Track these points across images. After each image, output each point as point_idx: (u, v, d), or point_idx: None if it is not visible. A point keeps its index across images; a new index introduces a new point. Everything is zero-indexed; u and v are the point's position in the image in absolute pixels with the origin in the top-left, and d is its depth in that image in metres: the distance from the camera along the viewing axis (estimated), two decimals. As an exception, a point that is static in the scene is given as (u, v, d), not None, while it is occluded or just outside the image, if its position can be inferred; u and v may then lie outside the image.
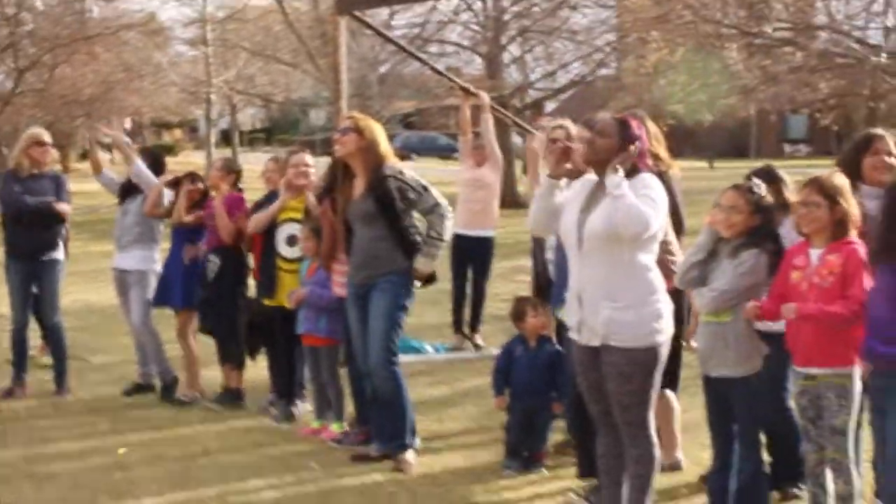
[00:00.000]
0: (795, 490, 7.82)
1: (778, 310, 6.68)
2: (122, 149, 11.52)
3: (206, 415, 10.72)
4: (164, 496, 8.29)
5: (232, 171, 11.25)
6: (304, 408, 10.49)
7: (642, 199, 6.76)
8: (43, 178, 11.46)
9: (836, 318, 6.41)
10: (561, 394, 8.75)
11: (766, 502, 7.19)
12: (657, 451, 7.13)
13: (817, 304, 6.54)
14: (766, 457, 7.79)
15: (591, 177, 7.09)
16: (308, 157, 10.52)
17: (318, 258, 9.73)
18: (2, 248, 11.65)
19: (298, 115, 72.56)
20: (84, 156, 13.49)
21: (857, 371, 6.51)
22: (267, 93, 50.56)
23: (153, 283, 11.26)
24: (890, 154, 7.45)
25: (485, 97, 9.66)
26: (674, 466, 8.44)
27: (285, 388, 10.57)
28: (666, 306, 6.97)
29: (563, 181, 7.31)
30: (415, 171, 9.15)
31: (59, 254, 11.52)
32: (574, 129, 8.08)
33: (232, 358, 11.01)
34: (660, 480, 7.94)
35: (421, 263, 8.86)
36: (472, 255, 14.04)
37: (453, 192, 13.94)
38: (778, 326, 6.98)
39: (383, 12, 35.11)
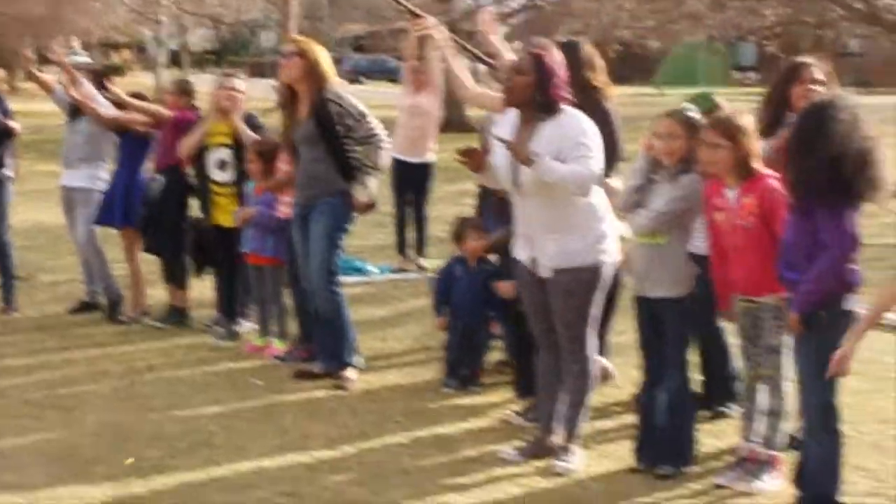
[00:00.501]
0: (724, 409, 8.07)
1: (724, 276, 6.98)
2: (69, 71, 11.53)
3: (150, 333, 10.84)
4: (109, 412, 8.43)
5: (186, 91, 11.34)
6: (249, 326, 10.63)
7: (577, 151, 6.97)
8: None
9: (762, 253, 6.60)
10: (498, 313, 8.95)
11: (693, 419, 7.39)
12: (594, 369, 7.37)
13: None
14: (698, 376, 8.07)
15: (513, 114, 7.27)
16: (237, 82, 10.61)
17: (264, 179, 9.86)
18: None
19: (248, 37, 72.18)
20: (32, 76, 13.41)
21: None
22: (217, 13, 50.20)
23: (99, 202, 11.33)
24: (816, 82, 7.56)
25: (431, 22, 9.70)
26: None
27: (230, 306, 10.72)
28: (610, 229, 7.19)
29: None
30: (363, 93, 9.28)
31: (7, 171, 11.56)
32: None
33: (176, 277, 11.13)
34: (594, 399, 8.21)
35: (358, 192, 9.00)
36: (412, 181, 14.22)
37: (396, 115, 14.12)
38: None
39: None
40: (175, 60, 61.31)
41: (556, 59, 7.23)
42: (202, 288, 11.23)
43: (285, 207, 9.56)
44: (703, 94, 8.53)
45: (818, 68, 7.69)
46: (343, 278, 9.36)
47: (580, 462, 7.31)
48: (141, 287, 11.48)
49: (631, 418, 7.76)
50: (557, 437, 7.41)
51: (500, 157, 7.21)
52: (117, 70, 49.91)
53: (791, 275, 6.23)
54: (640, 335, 7.43)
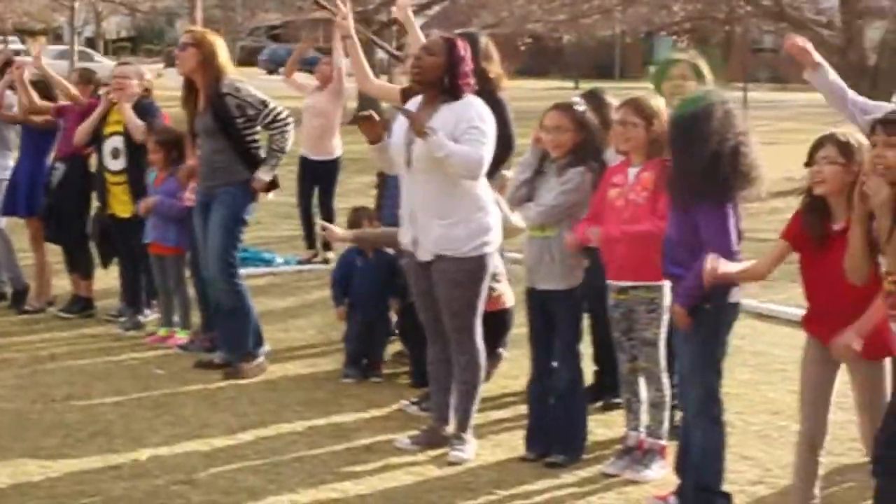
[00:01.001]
0: (618, 400, 8.23)
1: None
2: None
3: (55, 322, 10.89)
4: (9, 400, 8.48)
5: (88, 80, 11.39)
6: (153, 316, 10.68)
7: (470, 134, 7.10)
8: None
9: (642, 236, 6.74)
10: (399, 298, 9.05)
11: (584, 409, 7.56)
12: (483, 359, 7.51)
13: (621, 226, 6.88)
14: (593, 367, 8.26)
15: (419, 98, 7.40)
16: (129, 69, 10.68)
17: (165, 169, 9.93)
18: None
19: (164, 25, 71.77)
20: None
21: (667, 285, 6.84)
22: (132, 1, 49.88)
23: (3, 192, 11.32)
24: (685, 78, 7.65)
25: (342, 13, 9.66)
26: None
27: (134, 296, 10.76)
28: (494, 219, 7.34)
29: None
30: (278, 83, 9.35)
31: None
32: None
33: (79, 266, 11.16)
34: (488, 388, 8.37)
35: (262, 172, 9.07)
36: (317, 177, 14.37)
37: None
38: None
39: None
40: (90, 47, 60.94)
41: (467, 47, 7.40)
42: (109, 278, 11.25)
43: (189, 196, 9.62)
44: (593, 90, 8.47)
45: (691, 64, 7.78)
46: (249, 269, 9.45)
47: (472, 451, 7.44)
48: (46, 277, 11.50)
49: (523, 408, 7.89)
50: (450, 427, 7.56)
51: (396, 134, 7.37)
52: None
53: (676, 270, 6.36)
54: (530, 327, 7.58)
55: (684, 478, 6.57)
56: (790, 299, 10.51)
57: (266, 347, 9.45)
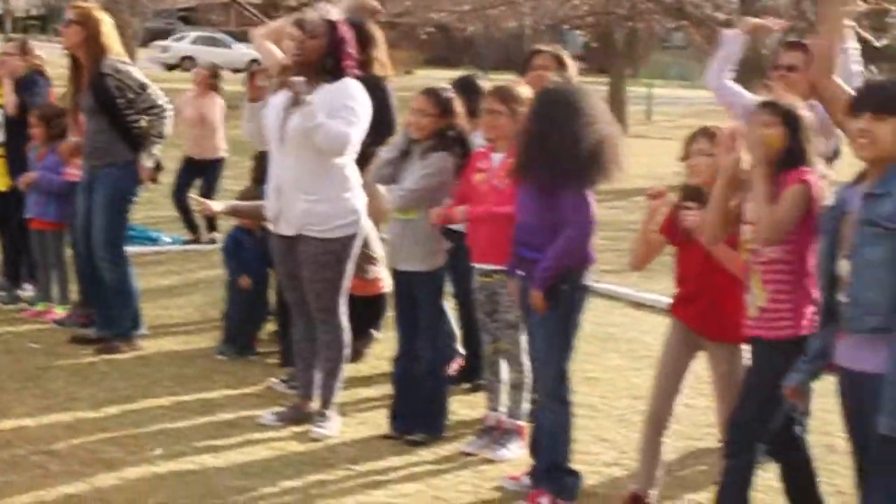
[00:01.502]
0: (483, 381, 8.36)
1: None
2: None
3: (-69, 295, 10.84)
4: None
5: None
6: (31, 290, 10.66)
7: (342, 112, 7.20)
8: None
9: (507, 217, 6.83)
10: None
11: (446, 389, 7.70)
12: (347, 337, 7.61)
13: (486, 206, 7.03)
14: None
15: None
16: (12, 45, 10.70)
17: (46, 144, 9.93)
18: None
19: (74, 3, 70.94)
20: None
21: None
22: (40, -21, 49.37)
23: None
24: (546, 69, 7.76)
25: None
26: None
27: (14, 270, 10.74)
28: (360, 201, 7.44)
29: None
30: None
31: None
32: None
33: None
34: (360, 368, 8.50)
35: (143, 159, 9.08)
36: (202, 173, 14.68)
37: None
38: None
39: None
40: (-1, 25, 60.21)
41: (348, 30, 7.48)
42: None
43: (73, 171, 9.61)
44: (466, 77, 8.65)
45: (552, 55, 7.91)
46: (135, 248, 9.46)
47: (336, 428, 7.55)
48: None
49: (388, 388, 7.99)
50: (314, 404, 7.65)
51: (272, 107, 7.46)
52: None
53: (531, 254, 6.44)
54: (395, 307, 7.70)
55: (537, 458, 6.69)
56: (667, 289, 10.67)
57: (143, 329, 9.47)
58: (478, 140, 7.45)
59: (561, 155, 6.25)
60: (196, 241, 14.00)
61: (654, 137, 31.90)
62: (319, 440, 7.40)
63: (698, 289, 6.20)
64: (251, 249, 9.31)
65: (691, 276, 6.26)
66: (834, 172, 6.66)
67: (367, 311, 8.82)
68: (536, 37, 54.41)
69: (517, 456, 7.18)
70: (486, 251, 7.09)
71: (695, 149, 6.14)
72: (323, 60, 7.38)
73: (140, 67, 9.87)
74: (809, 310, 5.61)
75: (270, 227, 7.64)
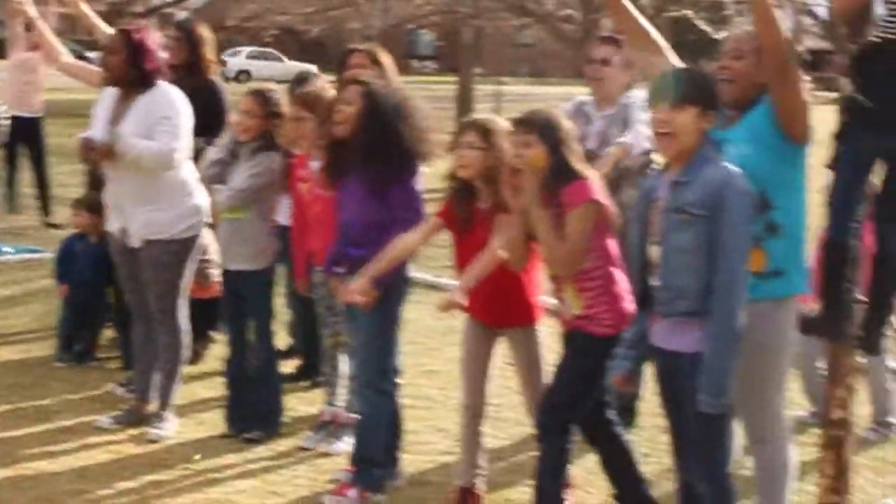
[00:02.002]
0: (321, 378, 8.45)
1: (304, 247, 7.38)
2: None
3: None
4: None
5: None
6: None
7: (162, 127, 7.30)
8: None
9: None
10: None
11: (280, 387, 7.81)
12: (186, 339, 7.67)
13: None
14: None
15: (113, 90, 7.51)
16: None
17: None
18: None
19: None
20: None
21: None
22: None
23: None
24: (362, 67, 7.73)
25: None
26: None
27: None
28: (200, 201, 7.51)
29: None
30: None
31: None
32: None
33: None
34: (199, 369, 8.56)
35: None
36: (23, 136, 14.81)
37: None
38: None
39: None
40: None
41: (149, 36, 7.52)
42: None
43: None
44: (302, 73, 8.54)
45: (367, 54, 7.96)
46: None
47: (173, 428, 7.60)
48: None
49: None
50: (152, 406, 7.69)
51: (96, 130, 7.46)
52: None
53: (359, 251, 6.51)
54: (225, 307, 7.78)
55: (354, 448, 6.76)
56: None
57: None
58: None
59: (390, 152, 6.35)
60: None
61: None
62: (157, 441, 7.44)
63: (480, 281, 6.23)
64: (84, 256, 9.29)
65: (468, 262, 6.32)
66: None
67: (205, 313, 8.86)
68: (386, 37, 54.61)
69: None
70: (322, 252, 7.11)
71: (463, 141, 6.17)
72: (128, 73, 7.42)
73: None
74: (625, 304, 5.77)
75: (112, 230, 7.66)
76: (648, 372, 5.88)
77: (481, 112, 30.87)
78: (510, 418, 7.84)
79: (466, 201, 6.24)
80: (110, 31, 8.48)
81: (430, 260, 12.99)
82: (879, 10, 5.60)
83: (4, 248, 13.59)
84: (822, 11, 22.93)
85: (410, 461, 7.16)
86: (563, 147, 5.77)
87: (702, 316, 5.02)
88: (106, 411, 7.91)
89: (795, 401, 7.99)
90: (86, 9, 9.11)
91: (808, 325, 5.82)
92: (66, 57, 8.91)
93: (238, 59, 58.07)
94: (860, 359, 6.30)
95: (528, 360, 6.36)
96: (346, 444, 7.26)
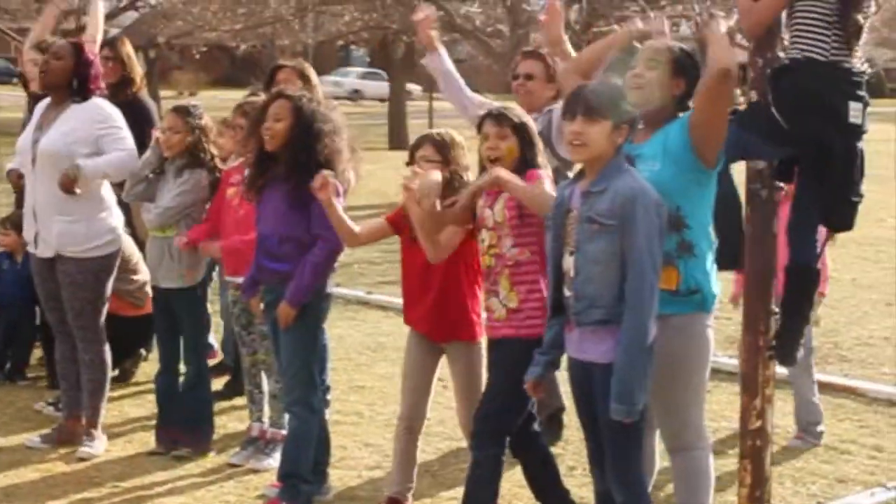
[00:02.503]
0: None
1: (210, 232, 7.39)
2: None
3: None
4: None
5: None
6: None
7: (112, 138, 7.46)
8: None
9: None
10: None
11: (210, 402, 7.88)
12: (108, 356, 7.72)
13: (241, 237, 7.10)
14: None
15: (47, 100, 7.59)
16: None
17: None
18: None
19: None
20: None
21: None
22: None
23: None
24: (292, 81, 7.72)
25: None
26: None
27: None
28: (116, 219, 7.59)
29: None
30: None
31: None
32: None
33: None
34: (128, 388, 8.60)
35: None
36: None
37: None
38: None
39: None
40: None
41: (93, 52, 7.70)
42: None
43: None
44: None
45: (295, 70, 8.02)
46: None
47: (102, 446, 7.65)
48: None
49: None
50: (81, 424, 7.72)
51: (24, 137, 7.60)
52: None
53: (279, 266, 6.57)
54: (156, 324, 7.84)
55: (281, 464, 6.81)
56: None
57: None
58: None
59: (316, 167, 6.37)
60: None
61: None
62: (86, 459, 7.49)
63: (422, 292, 6.37)
64: (10, 274, 9.31)
65: (413, 281, 6.45)
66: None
67: (136, 331, 8.90)
68: (318, 53, 54.67)
69: (281, 464, 7.34)
70: (240, 265, 7.16)
71: (419, 155, 6.28)
72: (69, 81, 7.53)
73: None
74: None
75: (30, 248, 7.71)
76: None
77: (413, 128, 30.98)
78: (439, 433, 7.93)
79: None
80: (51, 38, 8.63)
81: (363, 277, 13.16)
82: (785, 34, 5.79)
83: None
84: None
85: (339, 476, 7.23)
86: (534, 142, 5.99)
87: (615, 325, 5.14)
88: (36, 430, 7.94)
89: (724, 413, 8.17)
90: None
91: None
92: None
93: (349, 79, 61.37)
94: (784, 370, 6.43)
95: (466, 375, 6.44)
96: (275, 460, 7.29)
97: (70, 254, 7.48)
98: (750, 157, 5.81)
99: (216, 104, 7.33)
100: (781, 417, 8.12)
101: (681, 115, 5.63)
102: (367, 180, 6.61)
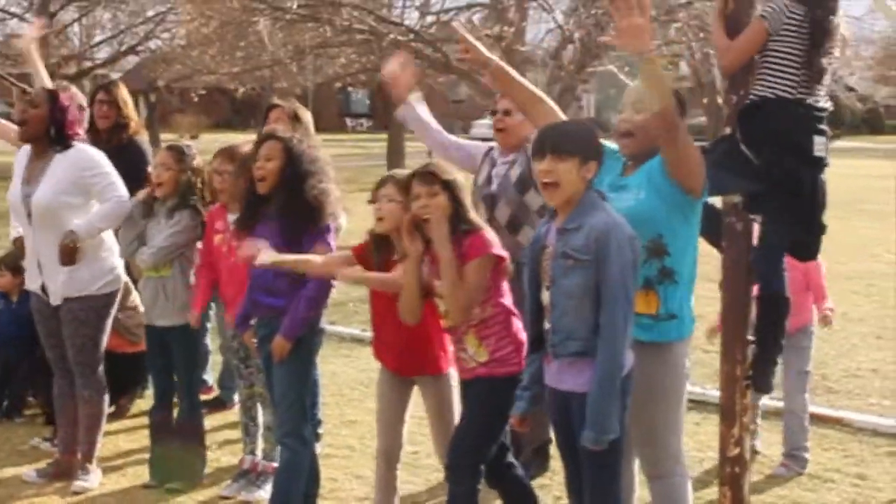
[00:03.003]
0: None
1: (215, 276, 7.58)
2: None
3: None
4: None
5: None
6: None
7: (101, 181, 7.55)
8: None
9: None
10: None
11: (202, 434, 7.97)
12: (105, 394, 7.84)
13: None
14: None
15: (27, 148, 7.74)
16: None
17: None
18: None
19: None
20: None
21: None
22: None
23: None
24: (283, 122, 7.91)
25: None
26: None
27: None
28: (117, 258, 7.74)
29: None
30: None
31: None
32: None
33: None
34: (123, 423, 8.70)
35: None
36: None
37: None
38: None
39: None
40: None
41: (71, 97, 7.80)
42: None
43: None
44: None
45: (287, 110, 8.15)
46: None
47: (97, 480, 7.78)
48: None
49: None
50: (76, 458, 7.85)
51: (13, 192, 7.67)
52: None
53: (273, 301, 6.69)
54: (149, 361, 7.98)
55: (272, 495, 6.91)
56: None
57: None
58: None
59: (307, 206, 6.53)
60: None
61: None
62: (80, 493, 7.60)
63: (392, 328, 6.39)
64: (5, 314, 9.41)
65: (383, 319, 6.50)
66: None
67: (133, 368, 9.02)
68: (319, 96, 54.84)
69: (272, 497, 7.46)
70: (238, 301, 7.20)
71: (381, 194, 6.31)
72: (47, 130, 7.60)
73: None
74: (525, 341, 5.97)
75: (32, 287, 7.85)
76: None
77: (412, 167, 31.00)
78: (427, 465, 8.04)
79: (382, 252, 6.40)
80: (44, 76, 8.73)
81: (357, 315, 13.25)
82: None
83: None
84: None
85: (329, 508, 7.34)
86: (462, 197, 6.04)
87: (592, 357, 5.24)
88: (32, 465, 8.07)
89: (711, 444, 8.26)
90: (36, 57, 9.15)
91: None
92: None
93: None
94: (771, 400, 6.54)
95: (438, 407, 6.53)
96: (266, 491, 7.43)
97: (74, 293, 7.63)
98: (722, 193, 5.97)
99: (218, 147, 7.43)
100: (767, 447, 8.27)
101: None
102: (367, 220, 6.68)
